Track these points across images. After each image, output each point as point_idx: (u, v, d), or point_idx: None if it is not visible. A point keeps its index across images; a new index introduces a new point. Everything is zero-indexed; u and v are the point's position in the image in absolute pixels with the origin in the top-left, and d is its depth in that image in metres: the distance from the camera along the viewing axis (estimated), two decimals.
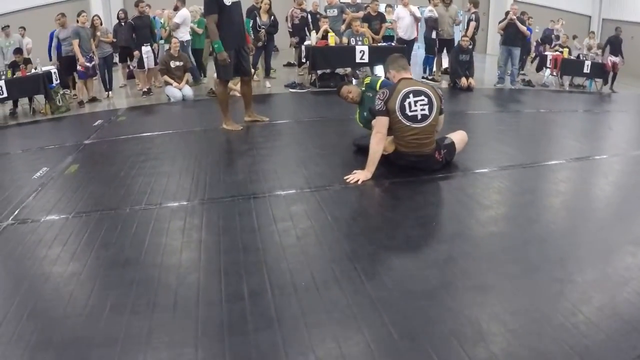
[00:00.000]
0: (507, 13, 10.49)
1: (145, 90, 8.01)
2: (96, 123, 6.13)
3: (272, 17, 8.47)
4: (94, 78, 8.04)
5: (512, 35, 10.30)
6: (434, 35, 9.99)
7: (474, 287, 2.42)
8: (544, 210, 3.55)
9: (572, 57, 11.74)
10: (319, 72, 8.68)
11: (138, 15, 8.17)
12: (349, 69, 9.41)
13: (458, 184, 4.08)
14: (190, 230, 2.98)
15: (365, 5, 10.33)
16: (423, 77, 10.09)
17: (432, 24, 9.92)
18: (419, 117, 4.00)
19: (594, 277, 2.52)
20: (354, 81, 8.82)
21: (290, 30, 9.38)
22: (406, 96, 3.97)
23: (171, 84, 7.42)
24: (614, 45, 12.61)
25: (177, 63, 7.47)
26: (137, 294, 2.31)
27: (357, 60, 8.71)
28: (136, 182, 3.82)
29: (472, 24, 9.99)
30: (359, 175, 3.82)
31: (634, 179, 4.39)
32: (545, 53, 11.87)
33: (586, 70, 11.73)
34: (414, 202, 3.69)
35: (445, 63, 10.78)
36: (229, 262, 2.60)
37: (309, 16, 9.67)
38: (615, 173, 4.66)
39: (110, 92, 8.20)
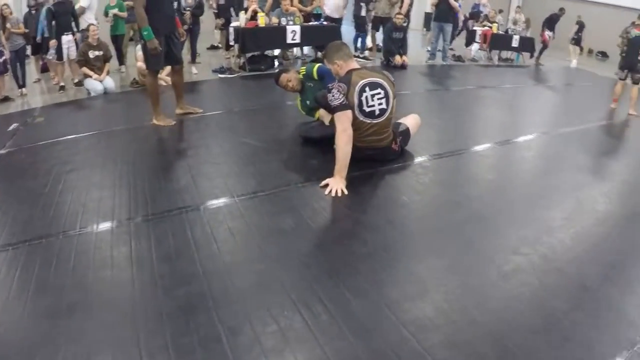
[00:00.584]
0: None
1: (63, 84, 7.16)
2: (11, 128, 5.23)
3: None
4: (5, 75, 7.07)
5: (444, 12, 10.32)
6: (363, 12, 9.78)
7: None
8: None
9: (500, 32, 12.00)
10: (248, 54, 8.24)
11: (59, 1, 7.20)
12: (278, 51, 9.04)
13: (418, 171, 4.05)
14: (139, 257, 2.55)
15: None
16: (354, 56, 9.87)
17: (367, 0, 9.71)
18: (377, 112, 3.75)
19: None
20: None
21: (216, 11, 8.80)
22: (362, 90, 3.67)
23: (91, 76, 6.64)
24: (552, 22, 13.14)
25: (97, 53, 6.71)
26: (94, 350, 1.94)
27: (289, 41, 8.34)
28: (65, 200, 3.26)
29: (407, 0, 9.84)
30: (335, 185, 3.44)
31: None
32: (474, 28, 12.02)
33: (514, 44, 12.10)
34: (376, 197, 3.62)
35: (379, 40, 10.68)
36: (192, 296, 2.24)
37: None
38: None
39: (23, 89, 7.19)
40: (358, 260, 2.65)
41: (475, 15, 12.79)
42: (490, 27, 11.83)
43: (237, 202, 3.22)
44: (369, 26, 10.50)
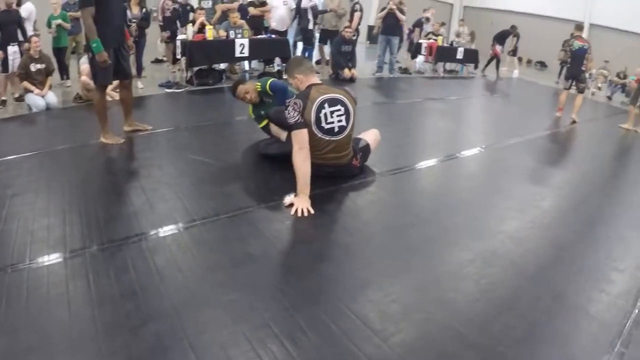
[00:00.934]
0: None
1: (4, 99, 6.51)
2: None
3: (144, 10, 7.58)
4: None
5: (391, 25, 10.46)
6: (310, 25, 9.76)
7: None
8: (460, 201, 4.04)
9: (445, 45, 12.30)
10: (195, 68, 7.99)
11: (5, 9, 6.62)
12: (226, 64, 8.85)
13: (377, 187, 4.11)
14: (100, 293, 2.32)
15: None
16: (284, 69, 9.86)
17: (316, 12, 9.69)
18: (336, 129, 3.69)
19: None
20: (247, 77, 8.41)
21: (162, 23, 8.52)
22: (321, 106, 3.60)
23: (32, 91, 6.13)
24: (503, 37, 13.80)
25: (38, 66, 6.21)
26: None
27: (237, 54, 8.16)
28: (10, 228, 2.94)
29: (357, 14, 9.90)
30: (300, 204, 3.36)
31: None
32: (420, 41, 12.26)
33: (459, 56, 12.47)
34: (342, 215, 3.60)
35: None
36: (163, 334, 2.06)
37: (180, 8, 8.87)
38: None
39: None
40: (333, 283, 2.58)
41: (418, 24, 13.07)
42: (436, 40, 12.12)
43: (199, 226, 3.07)
44: (316, 39, 10.50)
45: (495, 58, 13.57)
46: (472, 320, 2.37)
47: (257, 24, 9.29)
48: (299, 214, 3.31)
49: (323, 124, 3.64)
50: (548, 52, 16.25)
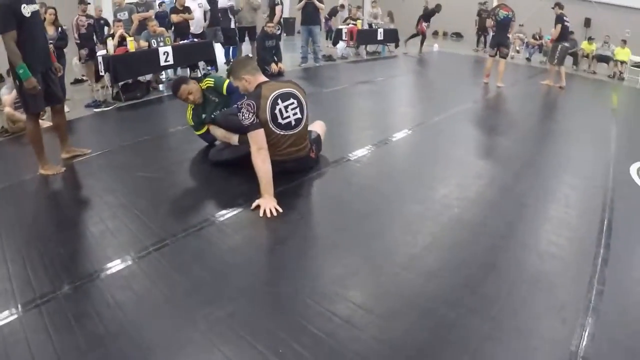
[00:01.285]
0: None
1: None
2: None
3: (60, 29, 7.18)
4: None
5: (310, 15, 10.51)
6: (232, 24, 9.64)
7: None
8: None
9: (365, 28, 12.52)
10: (121, 83, 7.68)
11: None
12: (150, 75, 8.58)
13: (340, 175, 4.28)
14: (88, 333, 2.20)
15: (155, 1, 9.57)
16: (228, 71, 9.73)
17: (231, 13, 9.56)
18: (293, 122, 3.73)
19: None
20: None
21: (78, 41, 8.13)
22: (275, 103, 3.62)
23: None
24: (428, 15, 14.04)
25: None
26: None
27: (162, 63, 7.95)
28: None
29: (279, 7, 9.85)
30: (266, 204, 3.37)
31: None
32: (340, 27, 12.41)
33: (380, 37, 12.74)
34: (311, 209, 3.73)
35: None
36: None
37: (95, 23, 8.47)
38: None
39: None
40: (313, 280, 2.64)
41: (334, 12, 13.22)
42: (355, 24, 12.30)
43: (170, 245, 2.99)
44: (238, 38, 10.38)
45: (421, 35, 14.00)
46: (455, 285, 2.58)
47: (182, 29, 9.07)
48: (268, 215, 3.32)
49: (280, 120, 3.66)
50: (462, 23, 16.90)
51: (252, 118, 3.48)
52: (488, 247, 3.05)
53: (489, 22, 9.30)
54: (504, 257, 2.95)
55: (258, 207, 3.39)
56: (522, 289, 2.61)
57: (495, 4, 16.90)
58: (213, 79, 4.67)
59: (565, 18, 9.67)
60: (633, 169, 4.84)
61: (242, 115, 3.50)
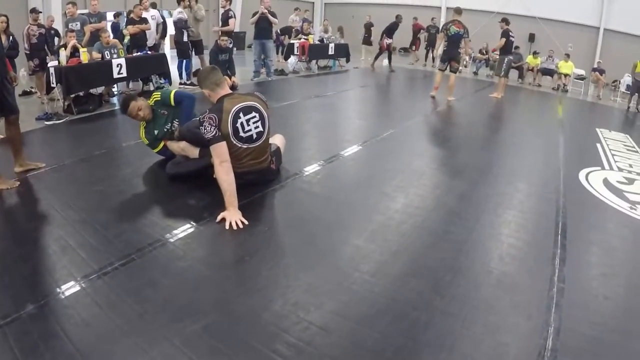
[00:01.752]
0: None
1: None
2: None
3: (11, 38, 6.95)
4: None
5: (264, 29, 10.56)
6: (185, 37, 9.55)
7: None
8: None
9: (317, 43, 12.64)
10: (72, 95, 7.45)
11: None
12: (102, 88, 8.37)
13: (302, 187, 4.32)
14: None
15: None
16: (181, 84, 9.64)
17: (182, 25, 9.47)
18: (254, 136, 3.75)
19: None
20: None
21: (28, 52, 7.86)
22: (236, 116, 3.63)
23: None
24: (391, 30, 13.96)
25: None
26: None
27: (115, 75, 7.77)
28: None
29: (232, 20, 9.81)
30: (231, 217, 3.35)
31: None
32: (292, 41, 12.49)
33: (331, 52, 12.89)
34: (276, 220, 3.74)
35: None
36: None
37: (47, 33, 8.22)
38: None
39: None
40: (283, 292, 2.63)
41: (286, 30, 13.34)
42: (307, 39, 12.41)
43: (136, 259, 2.91)
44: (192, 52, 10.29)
45: (386, 51, 14.09)
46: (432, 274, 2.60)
47: (139, 41, 8.93)
48: (234, 227, 3.31)
49: (241, 134, 3.67)
50: (410, 38, 17.29)
51: (214, 131, 3.49)
52: (452, 252, 3.15)
53: (440, 36, 9.61)
54: (468, 261, 3.05)
55: (223, 219, 3.37)
56: (489, 289, 2.73)
57: (443, 20, 17.56)
58: (159, 92, 4.63)
59: (510, 33, 10.15)
60: (582, 175, 5.12)
61: (204, 129, 3.50)
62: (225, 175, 3.44)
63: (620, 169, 5.65)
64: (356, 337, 2.25)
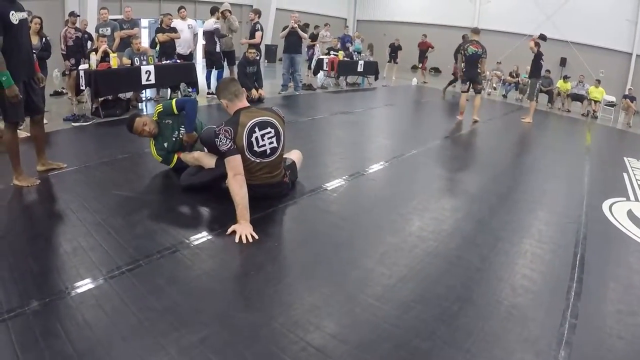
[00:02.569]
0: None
1: None
2: None
3: (44, 40, 7.13)
4: None
5: (293, 43, 10.64)
6: (218, 48, 9.66)
7: None
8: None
9: (347, 59, 12.66)
10: (101, 99, 7.59)
11: None
12: (131, 93, 8.52)
13: (317, 204, 4.27)
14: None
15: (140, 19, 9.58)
16: (209, 94, 9.75)
17: (219, 35, 9.58)
18: (268, 151, 3.75)
19: None
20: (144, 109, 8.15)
21: (64, 52, 8.05)
22: (252, 131, 3.64)
23: None
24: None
25: None
26: None
27: (144, 82, 7.94)
28: None
29: (259, 33, 9.89)
30: (242, 231, 3.34)
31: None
32: (321, 57, 12.55)
33: (360, 69, 12.89)
34: (286, 237, 3.68)
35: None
36: None
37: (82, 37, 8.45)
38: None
39: None
40: (287, 308, 2.60)
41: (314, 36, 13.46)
42: (337, 55, 12.45)
43: (143, 266, 2.93)
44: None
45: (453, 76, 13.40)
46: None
47: (168, 49, 9.08)
48: (244, 241, 3.30)
49: (255, 148, 3.68)
50: (440, 58, 17.24)
51: (230, 144, 3.51)
52: (463, 280, 3.07)
53: (459, 58, 9.50)
54: (478, 290, 2.97)
55: (234, 232, 3.37)
56: (496, 322, 2.63)
57: None
58: (161, 104, 4.69)
59: (542, 56, 10.00)
60: (605, 206, 4.97)
61: (220, 141, 3.53)
62: (238, 189, 3.44)
63: None
64: None
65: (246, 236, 3.32)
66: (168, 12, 9.66)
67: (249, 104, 3.88)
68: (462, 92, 9.49)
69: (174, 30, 9.18)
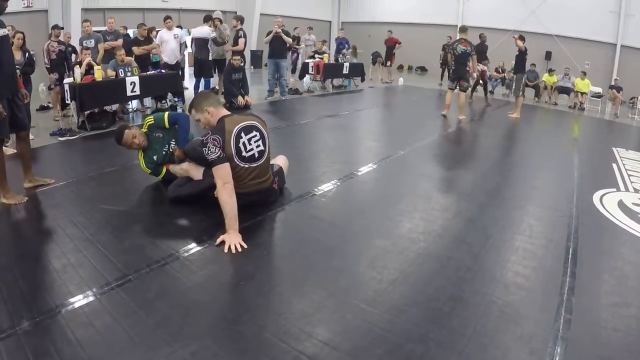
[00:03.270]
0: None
1: None
2: None
3: (27, 54, 7.06)
4: None
5: (278, 48, 10.63)
6: (210, 56, 9.64)
7: None
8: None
9: (332, 62, 12.68)
10: (87, 112, 7.54)
11: None
12: (117, 105, 8.47)
13: (306, 209, 4.26)
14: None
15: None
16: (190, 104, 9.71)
17: (218, 44, 9.60)
18: (256, 155, 3.74)
19: None
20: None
21: (48, 66, 7.98)
22: (238, 136, 3.63)
23: None
24: (481, 54, 11.85)
25: None
26: None
27: (129, 93, 7.88)
28: None
29: (242, 40, 9.89)
30: (231, 240, 3.32)
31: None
32: (307, 61, 12.54)
33: (345, 71, 12.87)
34: (275, 245, 3.65)
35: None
36: None
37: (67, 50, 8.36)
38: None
39: None
40: (279, 318, 2.58)
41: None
42: (322, 58, 12.45)
43: (133, 280, 2.90)
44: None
45: (482, 80, 12.87)
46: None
47: (144, 61, 9.02)
48: (233, 251, 3.27)
49: (244, 153, 3.67)
50: (426, 57, 17.29)
51: (219, 152, 3.47)
52: (454, 281, 3.05)
53: (449, 57, 9.60)
54: (470, 290, 2.95)
55: (223, 242, 3.34)
56: (490, 321, 2.62)
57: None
58: (152, 117, 4.65)
59: (526, 51, 10.08)
60: (596, 197, 4.99)
61: (208, 150, 3.49)
62: (227, 197, 3.42)
63: (636, 190, 5.49)
64: None
65: (235, 246, 3.29)
66: (151, 22, 9.65)
67: (229, 112, 3.87)
68: (449, 89, 9.62)
69: (150, 41, 9.16)
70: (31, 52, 7.39)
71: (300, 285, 2.95)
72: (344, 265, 3.24)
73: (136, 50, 8.98)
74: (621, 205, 4.87)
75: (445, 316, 2.64)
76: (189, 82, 10.11)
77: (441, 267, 3.23)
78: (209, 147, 3.49)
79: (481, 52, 11.68)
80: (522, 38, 10.21)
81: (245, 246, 3.33)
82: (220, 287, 3.00)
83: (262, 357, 2.24)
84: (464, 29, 9.49)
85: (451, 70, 9.64)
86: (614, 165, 6.67)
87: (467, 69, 9.36)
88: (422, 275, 3.13)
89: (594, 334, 2.60)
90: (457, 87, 9.45)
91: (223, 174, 3.46)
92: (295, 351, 2.28)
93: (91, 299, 2.71)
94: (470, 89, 12.12)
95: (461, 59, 9.22)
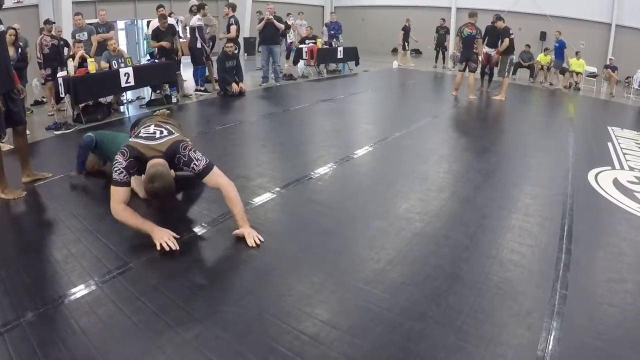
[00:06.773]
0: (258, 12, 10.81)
1: None
2: None
3: (20, 50, 7.04)
4: None
5: (271, 35, 10.61)
6: (199, 44, 9.59)
7: None
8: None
9: (325, 47, 12.64)
10: (82, 105, 7.50)
11: None
12: (111, 97, 8.43)
13: (303, 193, 4.28)
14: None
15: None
16: (196, 90, 9.73)
17: (200, 33, 9.51)
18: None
19: None
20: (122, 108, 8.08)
21: (40, 61, 7.95)
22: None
23: None
24: (491, 35, 10.53)
25: None
26: None
27: (123, 84, 7.87)
28: None
29: (234, 27, 9.86)
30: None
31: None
32: (300, 46, 12.49)
33: (340, 56, 12.86)
34: (267, 227, 3.61)
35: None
36: None
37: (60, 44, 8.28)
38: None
39: None
40: (277, 299, 2.61)
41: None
42: (315, 43, 12.41)
43: (134, 269, 2.93)
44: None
45: (487, 67, 11.54)
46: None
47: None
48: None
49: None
50: (420, 39, 17.20)
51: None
52: (451, 259, 3.10)
53: (456, 40, 9.91)
54: (467, 268, 3.00)
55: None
56: (487, 298, 2.67)
57: (452, 20, 17.50)
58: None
59: (510, 31, 10.08)
60: (591, 176, 5.03)
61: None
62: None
63: (631, 168, 5.53)
64: (346, 348, 2.22)
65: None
66: (144, 12, 9.57)
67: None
68: (459, 70, 10.13)
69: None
70: (24, 47, 7.36)
71: (299, 267, 2.99)
72: (342, 246, 3.29)
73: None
74: (616, 183, 4.92)
75: (443, 294, 2.68)
76: (183, 71, 10.05)
77: (438, 247, 3.28)
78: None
79: (493, 35, 10.38)
80: (499, 18, 10.14)
81: (262, 239, 3.29)
82: (220, 270, 3.03)
83: (263, 337, 2.28)
84: (472, 14, 9.86)
85: (460, 53, 10.16)
86: (609, 144, 6.71)
87: (475, 51, 9.83)
88: (420, 254, 3.18)
89: (590, 309, 2.64)
90: (466, 69, 9.89)
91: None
92: (295, 331, 2.32)
93: (93, 287, 2.74)
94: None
95: (468, 41, 9.76)
